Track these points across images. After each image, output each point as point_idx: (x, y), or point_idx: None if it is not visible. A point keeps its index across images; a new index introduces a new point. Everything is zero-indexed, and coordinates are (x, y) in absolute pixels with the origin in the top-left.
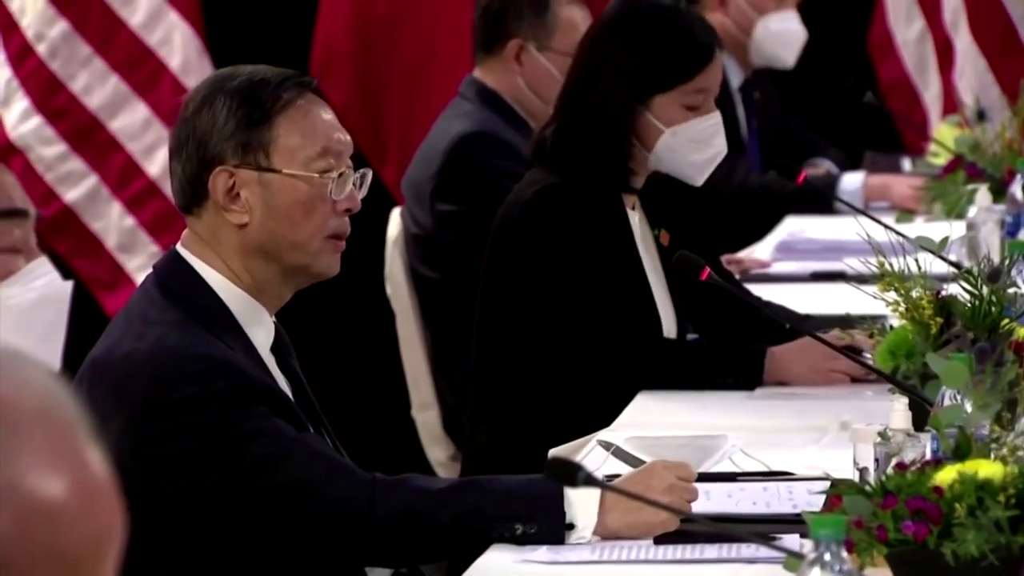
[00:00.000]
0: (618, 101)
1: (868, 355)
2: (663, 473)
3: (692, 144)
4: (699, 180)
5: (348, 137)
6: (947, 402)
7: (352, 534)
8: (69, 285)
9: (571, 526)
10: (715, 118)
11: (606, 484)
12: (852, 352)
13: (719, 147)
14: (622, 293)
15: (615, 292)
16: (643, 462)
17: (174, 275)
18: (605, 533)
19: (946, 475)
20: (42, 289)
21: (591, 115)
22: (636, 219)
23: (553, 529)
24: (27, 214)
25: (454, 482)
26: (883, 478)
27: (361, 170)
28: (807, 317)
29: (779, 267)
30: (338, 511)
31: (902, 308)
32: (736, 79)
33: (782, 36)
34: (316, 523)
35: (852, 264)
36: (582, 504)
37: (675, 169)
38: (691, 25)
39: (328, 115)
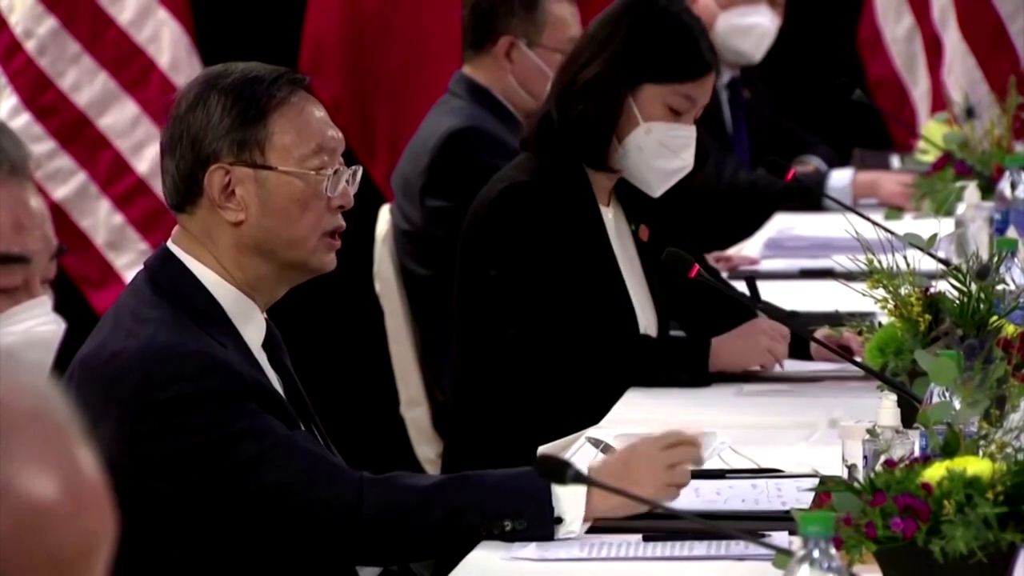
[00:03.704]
0: (612, 77)
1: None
2: (644, 459)
3: (661, 148)
4: (657, 190)
5: (340, 134)
6: (936, 399)
7: (341, 533)
8: (57, 332)
9: (559, 520)
10: (691, 131)
11: (595, 481)
12: (844, 352)
13: (686, 161)
14: (592, 290)
15: (584, 289)
16: None
17: (165, 272)
18: (594, 516)
19: (935, 472)
20: (22, 335)
21: (583, 87)
22: (610, 215)
23: (542, 524)
24: (26, 260)
25: (442, 480)
26: (872, 475)
27: (353, 167)
28: (795, 314)
29: (768, 264)
30: (327, 510)
31: (891, 305)
32: (723, 76)
33: (744, 30)
34: (305, 522)
35: (841, 261)
36: (569, 498)
37: (637, 169)
38: (699, 36)
39: (321, 112)
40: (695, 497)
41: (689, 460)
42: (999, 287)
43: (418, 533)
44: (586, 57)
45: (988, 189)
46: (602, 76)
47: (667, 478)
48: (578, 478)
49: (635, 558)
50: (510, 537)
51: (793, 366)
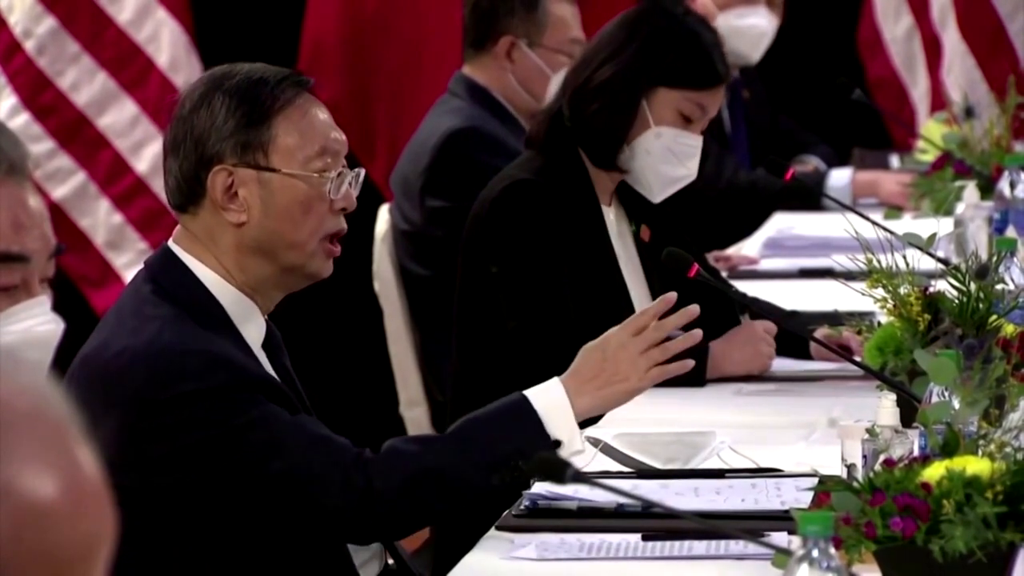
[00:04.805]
0: (629, 77)
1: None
2: (619, 350)
3: (667, 154)
4: (658, 195)
5: (344, 137)
6: (935, 398)
7: (355, 512)
8: (56, 331)
9: (558, 443)
10: (698, 141)
11: (595, 480)
12: (844, 352)
13: (690, 170)
14: (592, 289)
15: (585, 288)
16: (632, 459)
17: (166, 272)
18: (584, 415)
19: (934, 471)
20: (21, 334)
21: (599, 86)
22: (612, 215)
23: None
24: (25, 259)
25: (440, 444)
26: (871, 475)
27: (356, 169)
28: (795, 314)
29: (767, 264)
30: (339, 491)
31: (890, 305)
32: None
33: (742, 31)
34: (318, 505)
35: (840, 261)
36: (556, 418)
37: (641, 172)
38: (714, 48)
39: (324, 115)
40: (695, 497)
41: (661, 337)
42: (998, 287)
43: (431, 503)
44: (602, 57)
45: (987, 189)
46: (619, 76)
47: (647, 362)
48: (577, 477)
49: (635, 558)
50: (519, 478)
51: (793, 366)
